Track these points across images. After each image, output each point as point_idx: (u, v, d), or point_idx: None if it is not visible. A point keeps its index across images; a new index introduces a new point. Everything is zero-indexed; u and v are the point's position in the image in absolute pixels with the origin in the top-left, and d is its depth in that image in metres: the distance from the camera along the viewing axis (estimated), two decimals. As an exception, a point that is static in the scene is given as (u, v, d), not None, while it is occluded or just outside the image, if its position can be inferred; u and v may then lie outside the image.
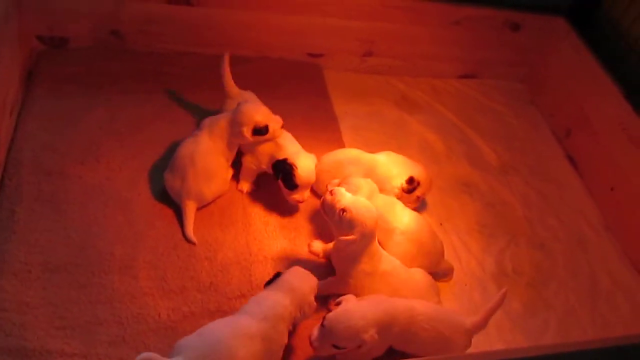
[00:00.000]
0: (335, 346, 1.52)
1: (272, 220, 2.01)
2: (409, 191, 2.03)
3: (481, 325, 1.66)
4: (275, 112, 2.00)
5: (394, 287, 1.73)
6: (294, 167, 1.91)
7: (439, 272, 1.96)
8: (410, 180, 2.03)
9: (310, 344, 1.55)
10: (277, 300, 1.56)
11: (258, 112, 1.94)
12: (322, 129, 2.36)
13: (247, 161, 2.04)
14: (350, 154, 2.11)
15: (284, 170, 1.92)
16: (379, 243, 1.79)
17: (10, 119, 2.05)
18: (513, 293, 2.02)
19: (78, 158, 2.02)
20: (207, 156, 1.94)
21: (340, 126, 2.41)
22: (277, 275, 1.65)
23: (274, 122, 1.95)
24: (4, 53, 2.01)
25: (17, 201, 1.86)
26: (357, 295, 1.72)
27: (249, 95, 2.16)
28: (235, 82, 2.17)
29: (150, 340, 1.63)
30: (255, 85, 2.22)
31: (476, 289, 2.02)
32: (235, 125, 1.94)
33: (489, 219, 2.26)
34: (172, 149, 2.07)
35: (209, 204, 1.99)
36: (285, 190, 1.96)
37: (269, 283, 1.64)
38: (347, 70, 2.71)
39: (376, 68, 2.75)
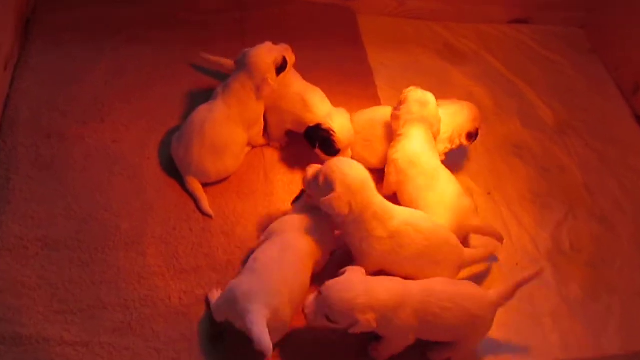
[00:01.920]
0: (328, 318, 1.44)
1: (297, 189, 1.83)
2: (471, 138, 1.96)
3: (508, 296, 1.56)
4: (302, 63, 1.92)
5: (417, 241, 1.61)
6: (331, 132, 1.83)
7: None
8: (469, 135, 1.95)
9: (303, 311, 1.48)
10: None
11: (268, 53, 1.85)
12: (355, 83, 2.24)
13: (272, 121, 1.95)
14: (385, 112, 1.96)
15: (320, 138, 1.84)
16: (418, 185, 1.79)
17: (5, 73, 1.95)
18: (571, 274, 1.91)
19: (80, 118, 1.93)
20: (220, 127, 1.83)
21: (375, 79, 2.29)
22: (303, 192, 1.69)
23: (284, 51, 1.89)
24: (-5, -2, 1.90)
25: (12, 167, 1.78)
26: (383, 269, 1.64)
27: None
28: (256, 30, 2.09)
29: (160, 327, 1.57)
30: (279, 32, 2.10)
31: (528, 269, 1.83)
32: (256, 78, 1.84)
33: (543, 187, 2.12)
34: (186, 107, 1.98)
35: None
36: (325, 158, 1.84)
37: (296, 200, 1.71)
38: (383, 14, 2.56)
39: (416, 12, 2.59)
